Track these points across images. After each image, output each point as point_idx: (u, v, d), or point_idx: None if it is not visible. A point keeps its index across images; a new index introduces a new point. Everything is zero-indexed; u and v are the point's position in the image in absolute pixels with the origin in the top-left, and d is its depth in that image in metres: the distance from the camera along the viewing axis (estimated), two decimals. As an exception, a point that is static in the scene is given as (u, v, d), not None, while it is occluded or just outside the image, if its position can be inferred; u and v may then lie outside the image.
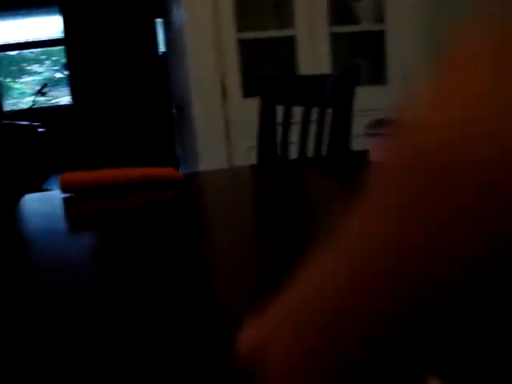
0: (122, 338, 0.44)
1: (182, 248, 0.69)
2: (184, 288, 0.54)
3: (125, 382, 0.37)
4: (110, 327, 0.47)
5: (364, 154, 1.19)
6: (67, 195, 1.03)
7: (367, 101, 2.06)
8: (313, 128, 1.50)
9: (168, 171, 1.06)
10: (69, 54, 4.80)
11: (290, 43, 2.34)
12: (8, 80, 5.18)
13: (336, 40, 2.36)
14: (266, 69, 2.37)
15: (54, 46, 5.08)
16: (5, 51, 5.07)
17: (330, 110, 1.45)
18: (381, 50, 2.40)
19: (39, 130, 4.47)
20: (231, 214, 0.87)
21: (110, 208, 0.96)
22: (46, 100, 5.15)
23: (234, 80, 2.30)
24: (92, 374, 0.39)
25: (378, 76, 2.44)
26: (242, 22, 2.29)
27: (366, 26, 2.37)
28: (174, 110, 3.29)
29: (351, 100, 1.39)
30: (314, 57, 2.32)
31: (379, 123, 1.11)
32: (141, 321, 0.47)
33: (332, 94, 1.43)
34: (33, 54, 5.20)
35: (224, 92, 2.29)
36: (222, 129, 2.30)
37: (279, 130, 1.58)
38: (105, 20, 4.70)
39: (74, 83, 4.88)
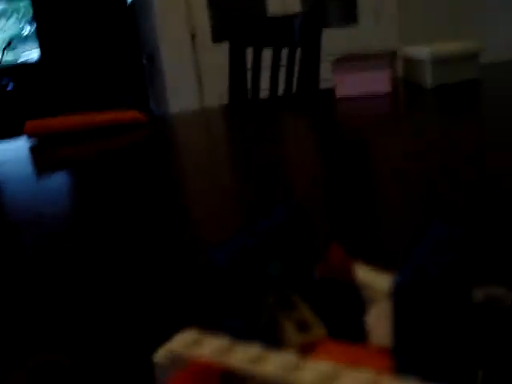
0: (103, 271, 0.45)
1: (155, 190, 0.69)
2: (160, 230, 0.54)
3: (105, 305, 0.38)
4: (90, 261, 0.47)
5: (331, 91, 1.19)
6: (33, 141, 1.02)
7: (340, 43, 2.05)
8: (283, 69, 1.49)
9: (132, 114, 1.05)
10: (35, 7, 4.67)
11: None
12: (-27, 37, 5.04)
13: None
14: (234, 12, 2.33)
15: None
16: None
17: (299, 50, 1.44)
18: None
19: (8, 88, 4.38)
20: (201, 154, 0.86)
21: (77, 153, 0.95)
22: (14, 57, 5.03)
23: (203, 25, 2.27)
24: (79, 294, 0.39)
25: (348, 16, 2.42)
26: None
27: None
28: (145, 61, 3.24)
29: (318, 37, 1.38)
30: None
31: (344, 59, 1.11)
32: (119, 258, 0.47)
33: (299, 33, 1.42)
34: (-3, 10, 5.06)
35: (193, 37, 2.26)
36: (192, 75, 2.27)
37: (250, 74, 1.57)
38: (70, -29, 4.57)
39: (41, 38, 4.77)
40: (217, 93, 2.19)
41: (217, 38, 2.25)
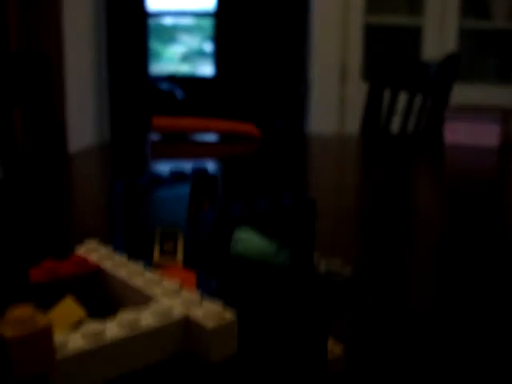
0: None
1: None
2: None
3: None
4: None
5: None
6: (156, 137, 1.15)
7: (494, 100, 2.02)
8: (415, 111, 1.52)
9: (248, 127, 1.15)
10: (218, 27, 5.01)
11: (417, 33, 2.33)
12: (158, 46, 5.49)
13: (465, 35, 2.32)
14: (390, 56, 2.38)
15: (204, 17, 5.32)
16: (158, 19, 5.38)
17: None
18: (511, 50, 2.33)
19: (179, 98, 4.73)
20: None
21: (190, 152, 1.06)
22: (190, 69, 5.41)
23: (356, 63, 2.34)
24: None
25: (504, 76, 2.38)
26: (371, 5, 2.33)
27: (499, 22, 2.30)
28: (302, 88, 3.37)
29: (448, 88, 1.40)
30: (440, 49, 2.29)
31: (458, 109, 1.13)
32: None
33: (432, 82, 1.44)
34: (183, 24, 5.48)
35: (344, 74, 2.34)
36: (336, 110, 2.35)
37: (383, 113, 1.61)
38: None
39: (219, 56, 5.10)
40: (355, 127, 2.24)
41: (366, 75, 2.31)
